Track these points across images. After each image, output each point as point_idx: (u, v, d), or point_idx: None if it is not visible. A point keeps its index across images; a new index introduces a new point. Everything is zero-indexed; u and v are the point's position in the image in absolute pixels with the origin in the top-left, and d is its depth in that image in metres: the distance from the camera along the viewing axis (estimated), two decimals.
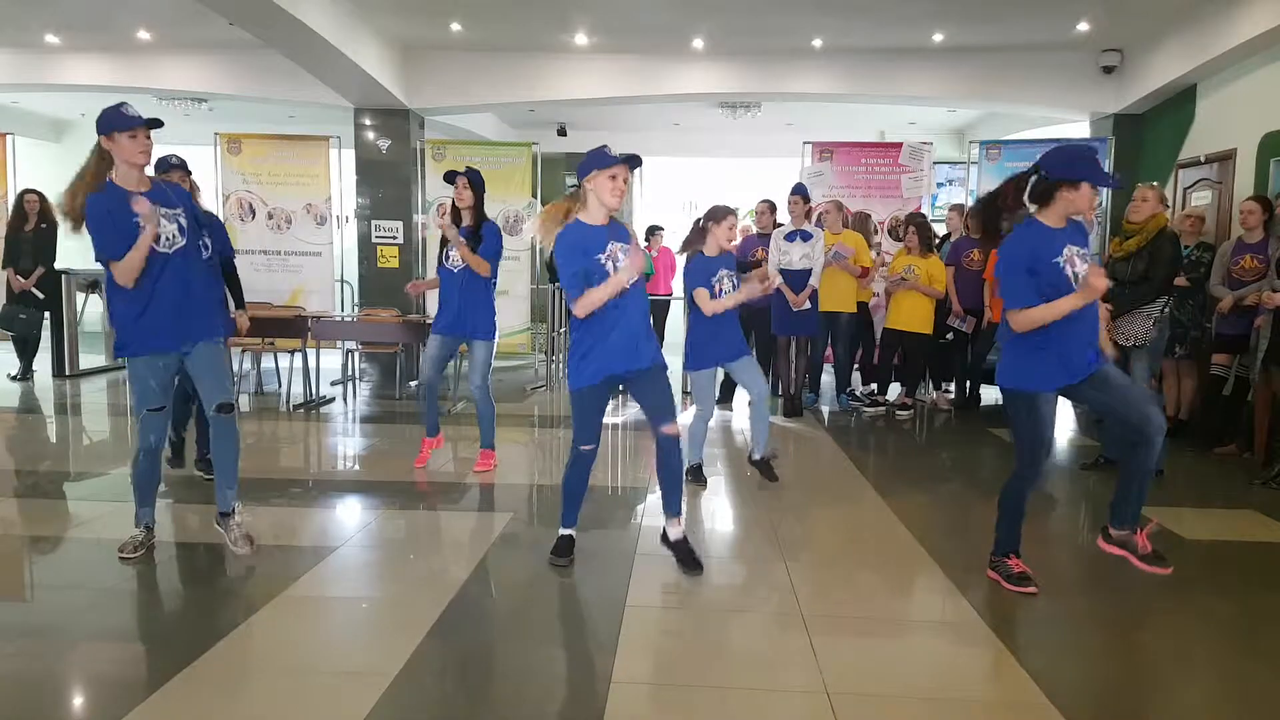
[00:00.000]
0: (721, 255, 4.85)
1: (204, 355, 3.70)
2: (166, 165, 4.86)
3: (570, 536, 3.87)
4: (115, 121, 3.43)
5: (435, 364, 5.23)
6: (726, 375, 5.75)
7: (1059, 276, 3.29)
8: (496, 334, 5.25)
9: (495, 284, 5.24)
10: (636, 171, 14.31)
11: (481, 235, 5.08)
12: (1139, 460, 3.46)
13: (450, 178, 5.11)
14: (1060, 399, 3.50)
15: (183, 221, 3.59)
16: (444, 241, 5.20)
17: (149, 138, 3.49)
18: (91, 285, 9.25)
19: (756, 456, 5.17)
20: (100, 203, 3.44)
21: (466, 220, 5.12)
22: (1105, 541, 3.72)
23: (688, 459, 5.00)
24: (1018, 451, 3.54)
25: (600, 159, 3.54)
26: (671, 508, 3.82)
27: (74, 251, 9.00)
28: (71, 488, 5.12)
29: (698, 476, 5.17)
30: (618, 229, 3.64)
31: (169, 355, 3.64)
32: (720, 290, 4.76)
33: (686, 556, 3.77)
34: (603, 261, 3.50)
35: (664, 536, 3.89)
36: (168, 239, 3.53)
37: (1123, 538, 3.65)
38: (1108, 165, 8.84)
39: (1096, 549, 4.25)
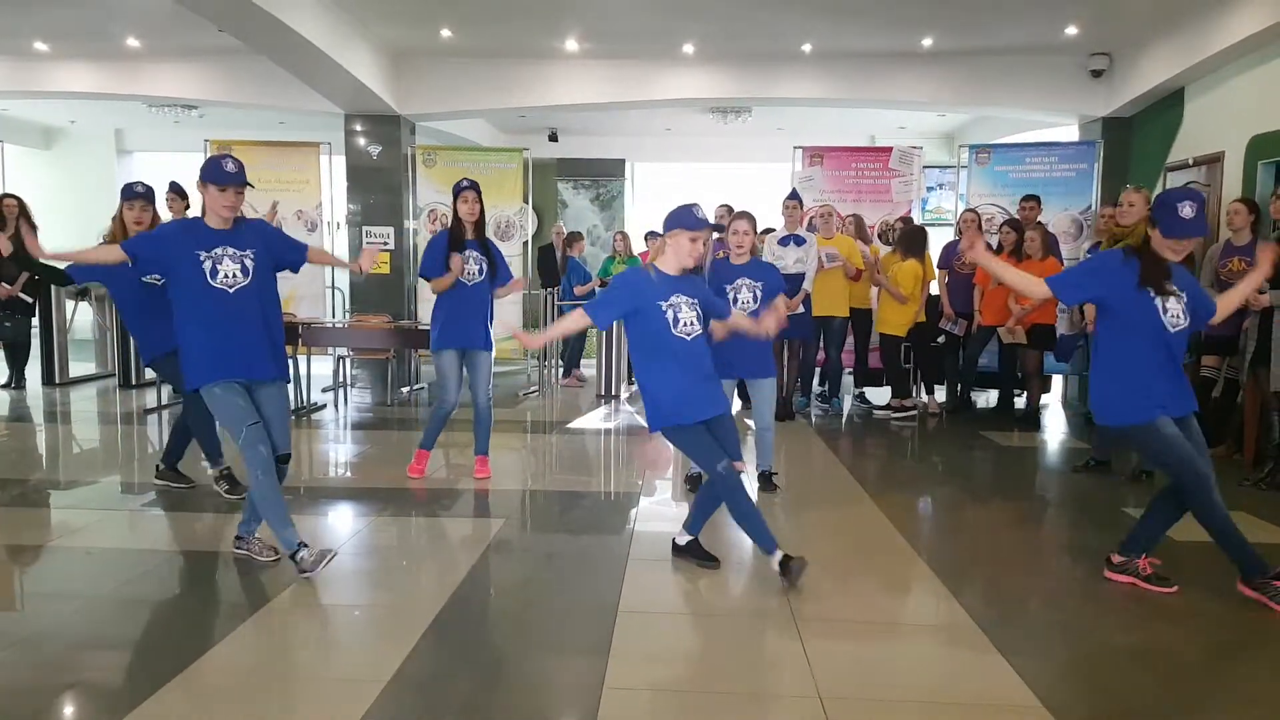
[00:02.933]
0: (749, 264, 4.89)
1: (270, 398, 3.75)
2: (131, 193, 4.85)
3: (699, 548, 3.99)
4: (212, 175, 3.65)
5: (459, 381, 5.18)
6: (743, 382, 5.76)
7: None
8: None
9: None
10: (627, 176, 14.30)
11: (494, 254, 5.14)
12: (1179, 506, 3.64)
13: (459, 188, 5.05)
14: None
15: (248, 263, 3.67)
16: (455, 251, 5.06)
17: (239, 194, 3.68)
18: (80, 293, 9.21)
19: (761, 469, 5.22)
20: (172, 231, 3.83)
21: (470, 234, 5.08)
22: (1110, 570, 3.77)
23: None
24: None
25: (689, 220, 3.67)
26: (694, 527, 3.96)
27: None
28: (61, 496, 5.09)
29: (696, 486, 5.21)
30: (694, 282, 3.81)
31: (237, 381, 3.66)
32: (736, 299, 4.78)
33: (702, 554, 3.92)
34: (663, 308, 3.63)
35: (674, 546, 4.00)
36: (228, 277, 3.64)
37: (1124, 563, 3.73)
38: (1096, 169, 8.89)
39: (1086, 552, 4.27)
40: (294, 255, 3.90)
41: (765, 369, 5.01)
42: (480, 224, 5.11)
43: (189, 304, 3.64)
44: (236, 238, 3.68)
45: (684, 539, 3.97)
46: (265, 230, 3.90)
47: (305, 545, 3.64)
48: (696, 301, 3.71)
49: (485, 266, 5.09)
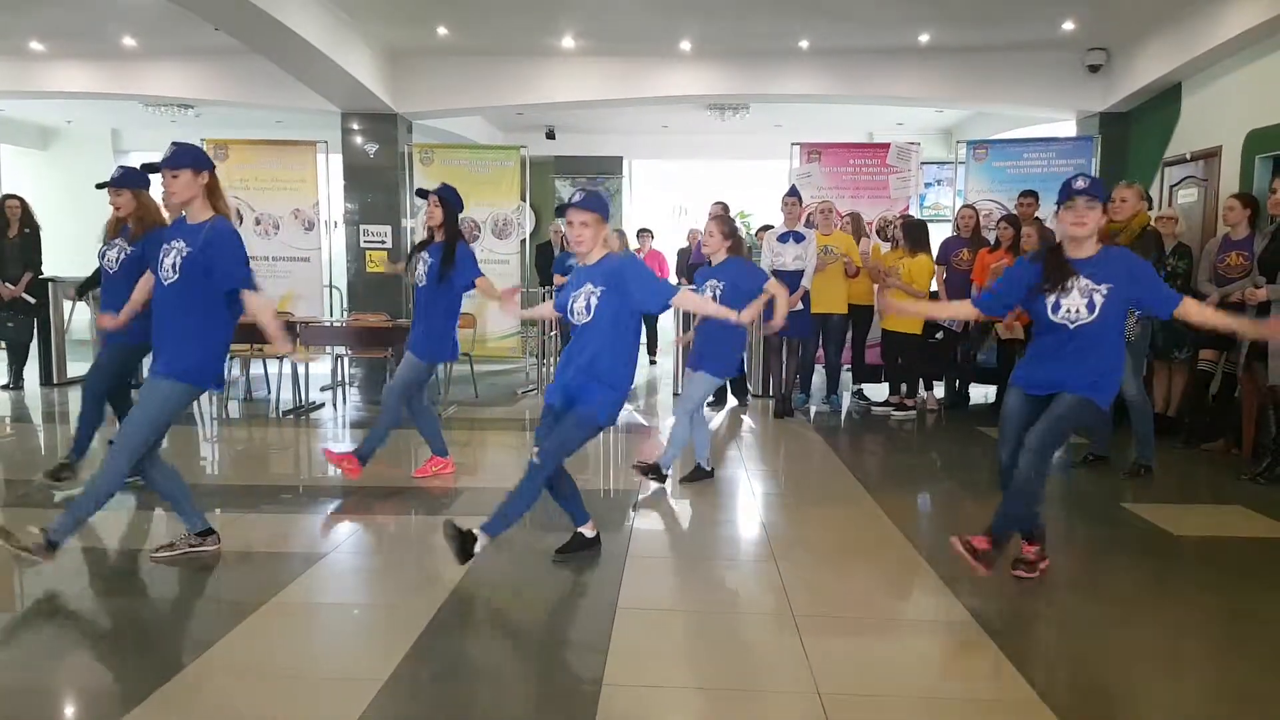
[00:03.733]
0: (725, 264, 5.02)
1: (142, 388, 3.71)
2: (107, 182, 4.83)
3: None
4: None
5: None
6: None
7: None
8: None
9: (459, 305, 5.14)
10: (625, 174, 14.27)
11: (455, 259, 4.94)
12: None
13: (422, 194, 5.06)
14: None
15: (179, 259, 3.55)
16: (413, 255, 5.10)
17: (171, 178, 3.55)
18: (79, 293, 9.18)
19: (662, 460, 5.21)
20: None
21: (437, 237, 5.02)
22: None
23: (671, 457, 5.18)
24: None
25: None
26: (578, 520, 3.99)
27: (62, 258, 8.98)
28: (63, 497, 5.08)
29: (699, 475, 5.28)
30: (611, 271, 3.67)
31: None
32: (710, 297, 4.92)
33: (583, 544, 3.94)
34: (571, 297, 3.66)
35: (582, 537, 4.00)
36: (166, 270, 3.58)
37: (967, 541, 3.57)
38: (1093, 164, 8.88)
39: (1085, 547, 4.28)
40: (231, 276, 3.57)
41: (710, 364, 5.05)
42: (447, 228, 4.98)
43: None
44: (192, 233, 3.58)
45: (590, 532, 3.97)
46: (217, 235, 3.56)
47: (56, 548, 3.55)
48: (600, 290, 3.59)
49: (434, 268, 4.95)
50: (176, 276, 3.55)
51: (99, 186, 4.83)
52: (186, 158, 3.56)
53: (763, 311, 5.08)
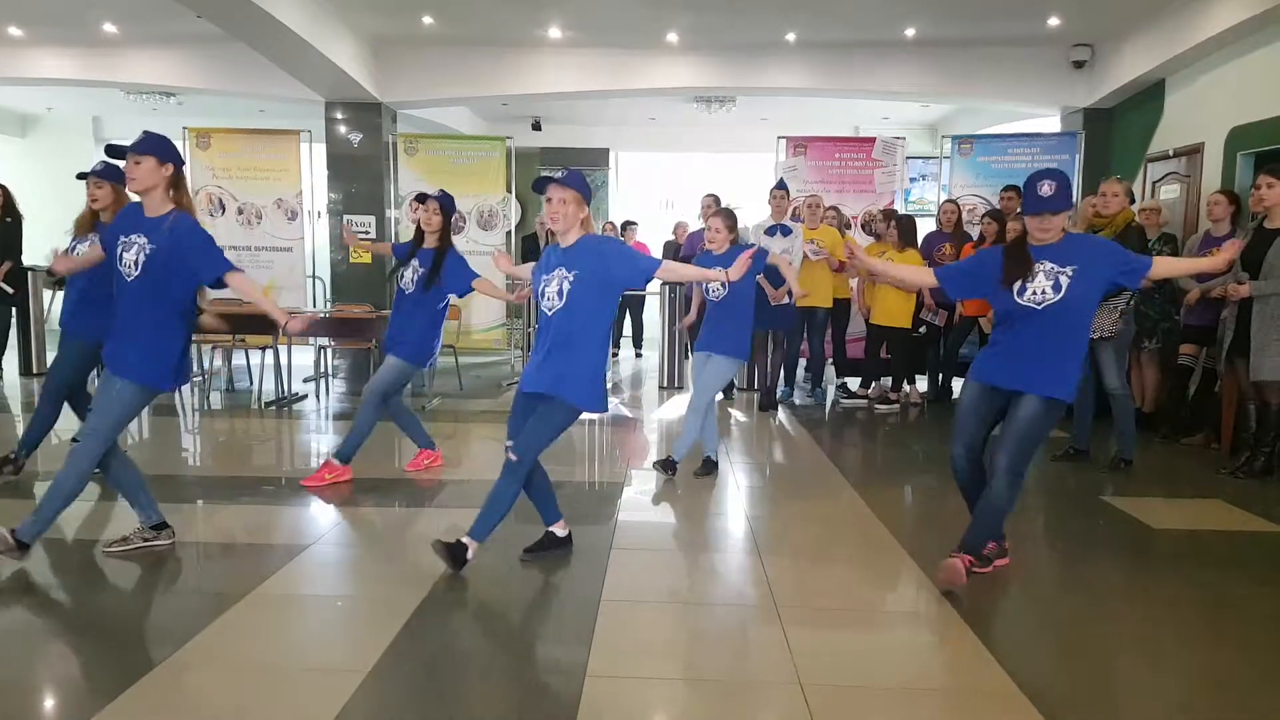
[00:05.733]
0: (727, 254, 4.91)
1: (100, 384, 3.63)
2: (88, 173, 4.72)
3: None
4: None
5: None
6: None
7: None
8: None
9: (445, 309, 5.09)
10: (611, 166, 14.23)
11: (445, 266, 4.86)
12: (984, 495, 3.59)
13: (422, 198, 4.96)
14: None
15: (142, 256, 3.47)
16: (404, 260, 5.00)
17: (134, 164, 3.46)
18: (58, 283, 9.08)
19: (673, 452, 5.22)
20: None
21: (430, 243, 4.95)
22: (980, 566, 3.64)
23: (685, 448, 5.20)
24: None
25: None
26: (548, 519, 3.93)
27: (44, 247, 8.87)
28: (44, 488, 5.03)
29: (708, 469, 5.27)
30: (589, 253, 3.60)
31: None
32: (708, 287, 5.05)
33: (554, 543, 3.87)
34: (542, 280, 3.60)
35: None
36: (126, 265, 3.50)
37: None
38: (1077, 160, 8.93)
39: (1065, 539, 4.32)
40: (213, 266, 3.53)
41: (724, 345, 5.05)
42: (442, 235, 4.92)
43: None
44: (153, 228, 3.50)
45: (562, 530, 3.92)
46: (183, 230, 3.50)
47: (28, 548, 3.56)
48: (574, 275, 3.51)
49: (422, 276, 4.88)
50: (139, 273, 3.49)
51: (80, 176, 4.75)
52: (152, 145, 3.49)
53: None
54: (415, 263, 4.96)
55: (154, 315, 3.53)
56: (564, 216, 3.53)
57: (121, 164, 3.62)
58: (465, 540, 3.56)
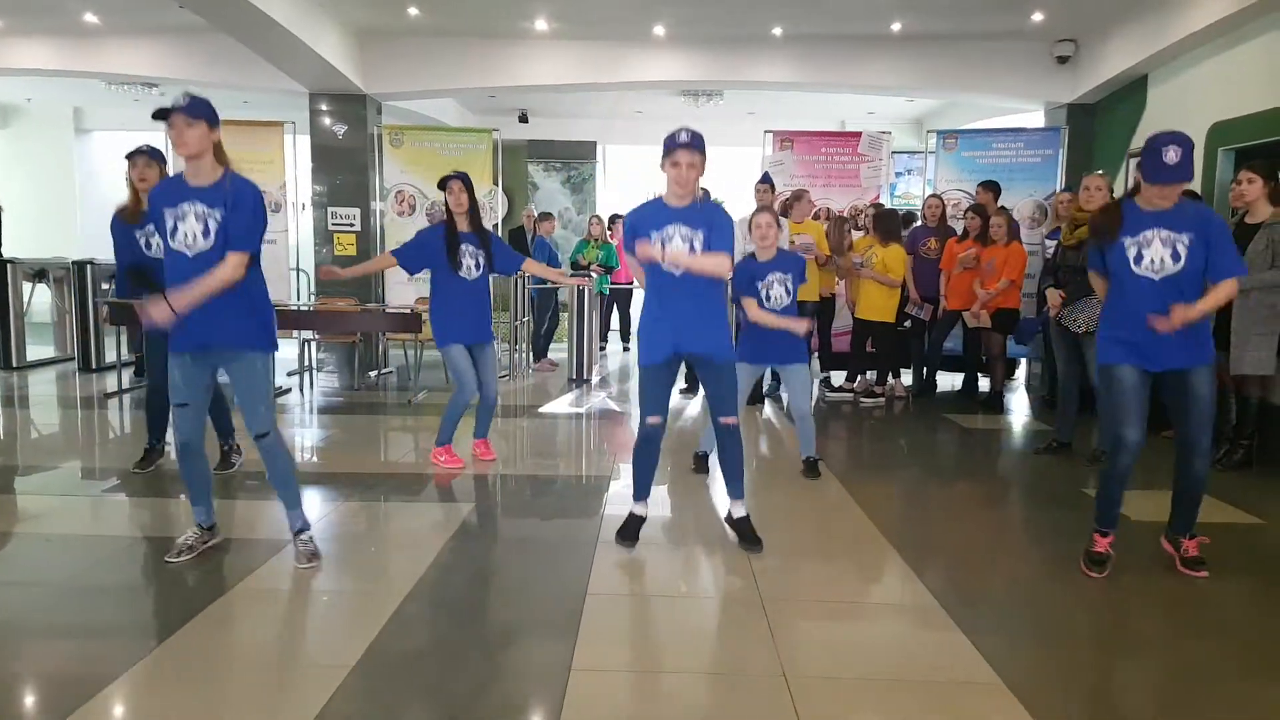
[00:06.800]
0: (776, 258, 4.78)
1: (236, 371, 3.53)
2: (133, 152, 4.74)
3: (639, 517, 3.99)
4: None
5: (473, 372, 5.09)
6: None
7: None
8: None
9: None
10: (598, 159, 14.12)
11: (492, 243, 5.07)
12: (1179, 475, 3.69)
13: (444, 183, 4.96)
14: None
15: (211, 223, 3.34)
16: (453, 248, 4.92)
17: (187, 126, 3.32)
18: (38, 275, 9.02)
19: (804, 455, 5.22)
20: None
21: (463, 225, 4.98)
22: (1165, 539, 3.85)
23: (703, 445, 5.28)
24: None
25: (665, 144, 3.68)
26: (734, 493, 3.96)
27: (25, 239, 8.81)
28: (21, 482, 5.01)
29: (701, 465, 5.29)
30: (692, 215, 3.67)
31: (185, 355, 3.48)
32: (769, 295, 4.74)
33: (748, 534, 3.91)
34: (653, 239, 3.62)
35: (727, 516, 4.05)
36: (187, 237, 3.34)
37: (1174, 539, 3.81)
38: (1061, 155, 8.98)
39: (1047, 531, 4.36)
40: (240, 239, 3.36)
41: (798, 355, 4.96)
42: (473, 215, 5.01)
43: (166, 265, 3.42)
44: (211, 195, 3.35)
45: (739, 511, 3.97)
46: (248, 194, 3.39)
47: (202, 528, 3.70)
48: (696, 235, 3.61)
49: (482, 260, 5.01)
50: (212, 244, 3.33)
51: (132, 156, 4.67)
52: (205, 109, 3.34)
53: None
54: (467, 247, 4.97)
55: (245, 281, 3.41)
56: (691, 182, 3.66)
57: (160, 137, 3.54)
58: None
